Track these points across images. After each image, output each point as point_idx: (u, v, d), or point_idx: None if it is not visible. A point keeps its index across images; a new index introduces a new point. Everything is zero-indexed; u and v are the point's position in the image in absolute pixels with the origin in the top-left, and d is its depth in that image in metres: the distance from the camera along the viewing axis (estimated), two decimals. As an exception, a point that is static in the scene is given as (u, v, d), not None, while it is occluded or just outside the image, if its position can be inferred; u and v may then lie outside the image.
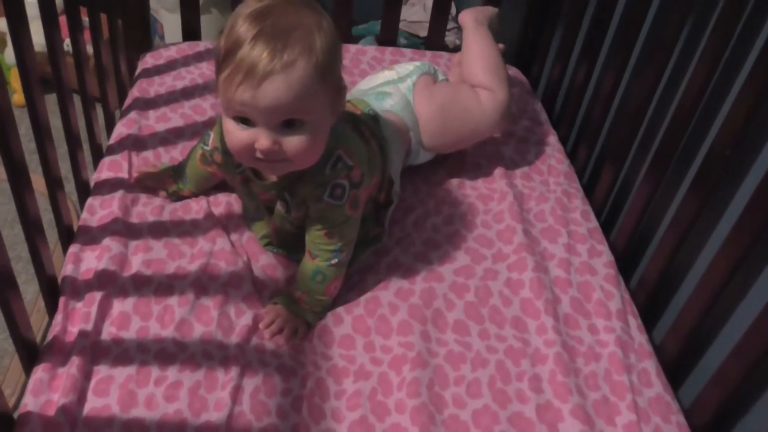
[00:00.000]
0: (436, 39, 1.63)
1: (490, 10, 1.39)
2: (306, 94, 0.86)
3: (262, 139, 0.88)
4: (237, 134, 0.90)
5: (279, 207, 1.03)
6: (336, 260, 1.01)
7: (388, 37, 1.63)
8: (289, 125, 0.89)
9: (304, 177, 0.97)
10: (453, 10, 1.95)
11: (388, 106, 1.19)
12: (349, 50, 1.55)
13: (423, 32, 1.86)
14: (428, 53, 1.58)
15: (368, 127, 1.11)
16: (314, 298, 1.03)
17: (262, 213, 1.09)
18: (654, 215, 1.18)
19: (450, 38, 1.94)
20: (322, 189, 0.97)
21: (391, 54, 1.56)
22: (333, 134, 0.96)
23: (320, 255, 1.01)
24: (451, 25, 1.92)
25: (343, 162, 0.97)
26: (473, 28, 1.33)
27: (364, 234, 1.08)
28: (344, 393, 0.95)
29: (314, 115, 0.89)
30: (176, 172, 1.18)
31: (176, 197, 1.18)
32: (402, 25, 1.87)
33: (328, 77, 0.89)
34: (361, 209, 1.03)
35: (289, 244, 1.09)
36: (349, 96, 1.21)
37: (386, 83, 1.24)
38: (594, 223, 1.24)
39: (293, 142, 0.89)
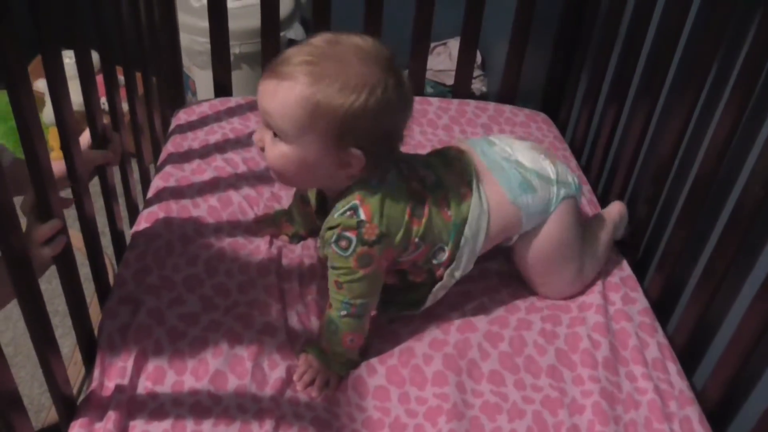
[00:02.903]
0: (463, 87, 1.65)
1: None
2: (286, 116, 0.90)
3: (257, 130, 0.96)
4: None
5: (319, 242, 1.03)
6: (345, 312, 0.99)
7: (415, 86, 1.65)
8: (275, 134, 0.93)
9: (328, 218, 0.98)
10: (479, 59, 1.98)
11: (521, 199, 1.06)
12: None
13: (449, 80, 1.89)
14: (455, 101, 1.60)
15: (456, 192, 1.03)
16: (334, 349, 1.02)
17: None
18: (688, 259, 1.17)
19: (476, 86, 1.96)
20: (331, 232, 0.96)
21: (419, 104, 1.58)
22: (361, 181, 0.96)
23: (333, 304, 1.00)
24: (476, 72, 1.94)
25: (355, 213, 0.95)
26: (613, 224, 1.23)
27: (404, 295, 1.08)
28: (380, 446, 0.94)
29: (293, 143, 0.92)
30: (288, 215, 1.21)
31: (297, 239, 1.21)
32: (428, 74, 1.89)
33: (328, 127, 0.89)
34: (378, 269, 0.98)
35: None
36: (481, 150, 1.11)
37: (539, 175, 1.09)
38: (627, 270, 1.23)
39: (270, 151, 0.95)
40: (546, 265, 1.13)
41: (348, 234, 0.95)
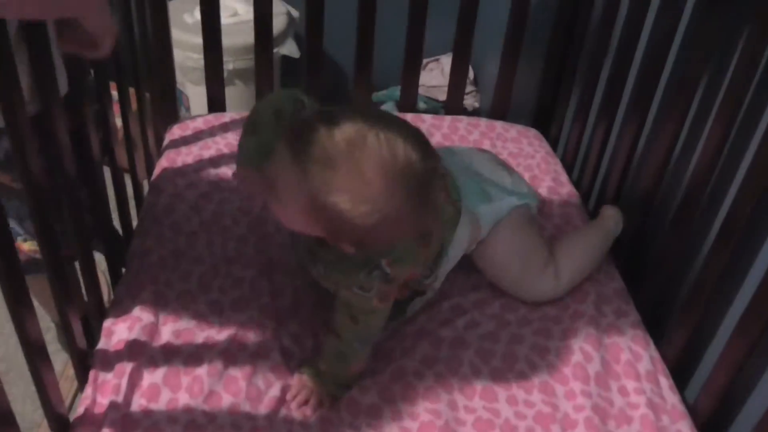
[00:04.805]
0: (455, 103, 1.66)
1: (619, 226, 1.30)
2: (286, 201, 0.85)
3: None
4: None
5: (317, 268, 1.03)
6: (357, 344, 1.01)
7: (408, 102, 1.66)
8: None
9: (340, 267, 0.97)
10: (471, 74, 1.99)
11: (480, 208, 1.12)
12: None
13: (442, 96, 1.90)
14: (447, 118, 1.61)
15: (449, 216, 1.07)
16: (337, 374, 1.02)
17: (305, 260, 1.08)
18: (680, 271, 1.18)
19: (469, 101, 1.98)
20: (353, 282, 0.97)
21: (411, 121, 1.58)
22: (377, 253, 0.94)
23: (343, 336, 1.01)
24: (469, 88, 1.96)
25: (381, 271, 0.95)
26: (603, 225, 1.27)
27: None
28: (373, 462, 0.94)
29: (289, 218, 0.88)
30: None
31: None
32: (421, 90, 1.91)
33: (326, 225, 0.84)
34: (390, 302, 1.00)
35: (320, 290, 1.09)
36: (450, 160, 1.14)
37: (495, 185, 1.16)
38: (619, 282, 1.24)
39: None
40: (507, 268, 1.16)
41: (372, 282, 0.95)
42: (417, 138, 0.83)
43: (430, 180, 0.83)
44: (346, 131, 0.79)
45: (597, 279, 1.23)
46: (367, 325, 1.00)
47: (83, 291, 1.13)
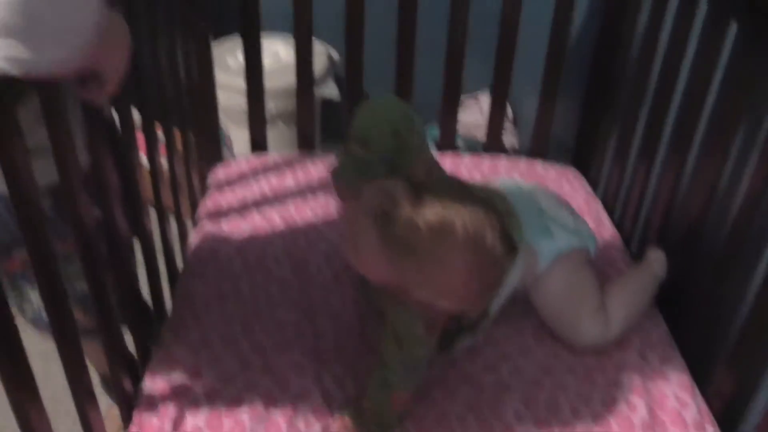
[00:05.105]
0: (494, 142, 1.67)
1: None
2: (373, 275, 0.89)
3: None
4: None
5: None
6: (402, 372, 1.00)
7: (447, 141, 1.67)
8: None
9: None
10: (510, 112, 2.00)
11: (540, 243, 1.12)
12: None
13: (480, 134, 1.90)
14: (487, 157, 1.61)
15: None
16: (380, 408, 1.02)
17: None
18: (726, 315, 1.16)
19: (508, 139, 1.97)
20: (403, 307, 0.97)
21: (450, 159, 1.59)
22: None
23: (389, 363, 1.00)
24: (508, 126, 1.96)
25: None
26: (648, 269, 1.25)
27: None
28: None
29: (357, 261, 0.90)
30: None
31: None
32: (459, 128, 1.91)
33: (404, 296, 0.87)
34: (437, 331, 1.00)
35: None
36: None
37: (557, 222, 1.16)
38: (663, 327, 1.22)
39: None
40: (560, 306, 1.16)
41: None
42: (500, 220, 0.84)
43: (508, 268, 0.86)
44: (432, 218, 0.80)
45: (641, 324, 1.21)
46: (412, 354, 0.98)
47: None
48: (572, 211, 1.23)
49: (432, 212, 0.80)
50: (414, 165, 0.94)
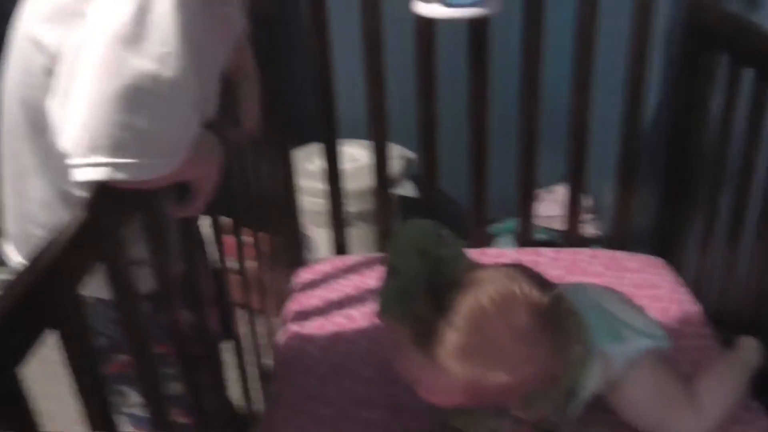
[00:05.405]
0: (573, 234, 1.67)
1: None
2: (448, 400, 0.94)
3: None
4: None
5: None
6: None
7: (526, 234, 1.68)
8: None
9: (470, 411, 1.02)
10: (591, 201, 1.99)
11: (611, 348, 1.09)
12: (487, 254, 1.58)
13: (558, 225, 1.91)
14: (566, 251, 1.61)
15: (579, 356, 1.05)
16: None
17: None
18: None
19: (589, 229, 1.96)
20: (483, 427, 1.00)
21: (530, 255, 1.58)
22: None
23: None
24: (589, 216, 1.95)
25: (510, 418, 0.99)
26: (741, 357, 1.21)
27: None
28: None
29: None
30: None
31: None
32: (538, 220, 1.92)
33: (471, 395, 0.92)
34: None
35: None
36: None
37: (627, 325, 1.13)
38: (765, 420, 1.16)
39: None
40: (645, 410, 1.11)
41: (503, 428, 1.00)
42: (531, 276, 0.90)
43: (559, 315, 0.90)
44: (465, 314, 0.88)
45: (741, 418, 1.16)
46: None
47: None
48: (641, 311, 1.19)
49: (463, 306, 0.88)
50: (457, 271, 0.97)
